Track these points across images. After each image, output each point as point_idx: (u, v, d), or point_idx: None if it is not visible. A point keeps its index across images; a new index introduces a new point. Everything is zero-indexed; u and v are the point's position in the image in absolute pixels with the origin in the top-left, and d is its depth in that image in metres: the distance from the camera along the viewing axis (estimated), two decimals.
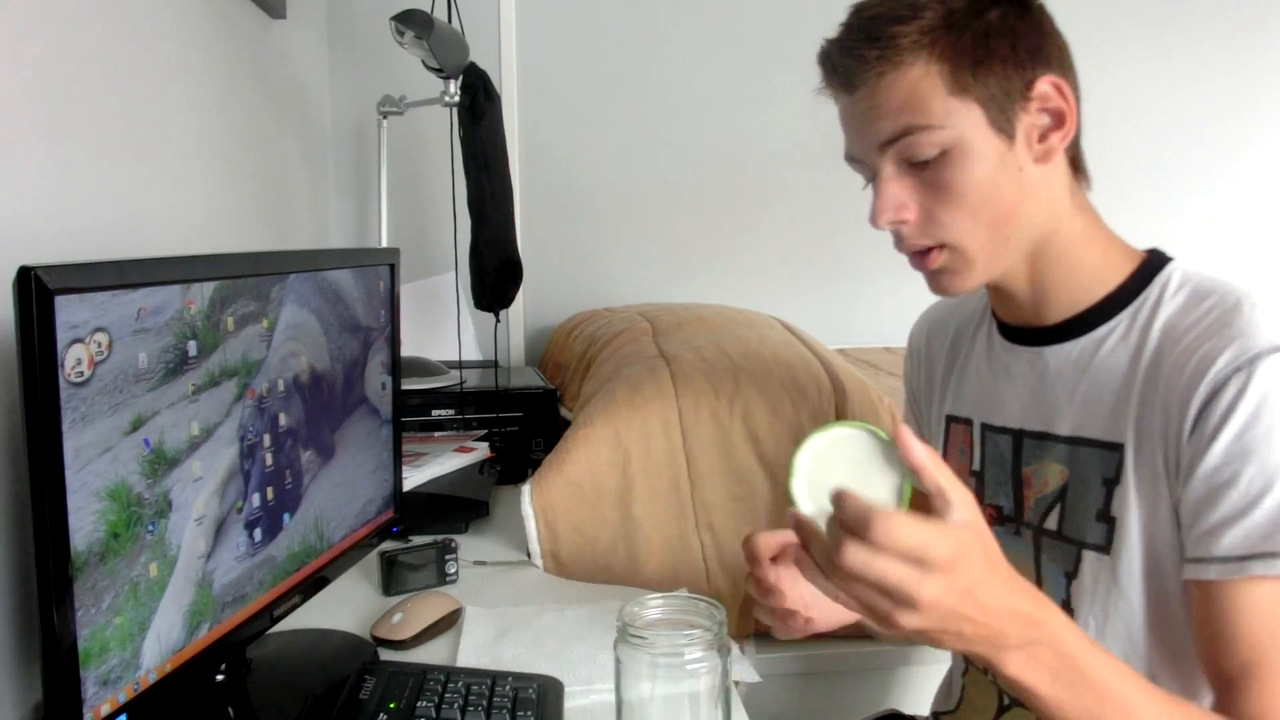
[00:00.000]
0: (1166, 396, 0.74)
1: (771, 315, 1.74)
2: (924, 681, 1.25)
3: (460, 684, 0.83)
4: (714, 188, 2.24)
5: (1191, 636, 0.73)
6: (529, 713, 0.80)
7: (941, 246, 0.80)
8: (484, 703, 0.80)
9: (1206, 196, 2.36)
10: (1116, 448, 0.78)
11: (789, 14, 2.15)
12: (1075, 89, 0.79)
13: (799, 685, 1.20)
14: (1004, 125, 0.76)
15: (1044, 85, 0.76)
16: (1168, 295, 0.78)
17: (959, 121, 0.75)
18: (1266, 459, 0.68)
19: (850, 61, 0.78)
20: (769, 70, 2.20)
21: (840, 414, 1.25)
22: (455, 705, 0.79)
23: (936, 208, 0.78)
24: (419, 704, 0.79)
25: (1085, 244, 0.82)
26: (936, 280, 0.83)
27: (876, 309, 2.27)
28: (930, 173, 0.77)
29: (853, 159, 0.84)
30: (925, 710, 1.05)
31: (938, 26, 0.75)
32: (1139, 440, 0.76)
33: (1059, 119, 0.77)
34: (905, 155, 0.78)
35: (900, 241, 0.82)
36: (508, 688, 0.83)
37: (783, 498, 1.24)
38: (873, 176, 0.81)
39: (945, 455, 0.96)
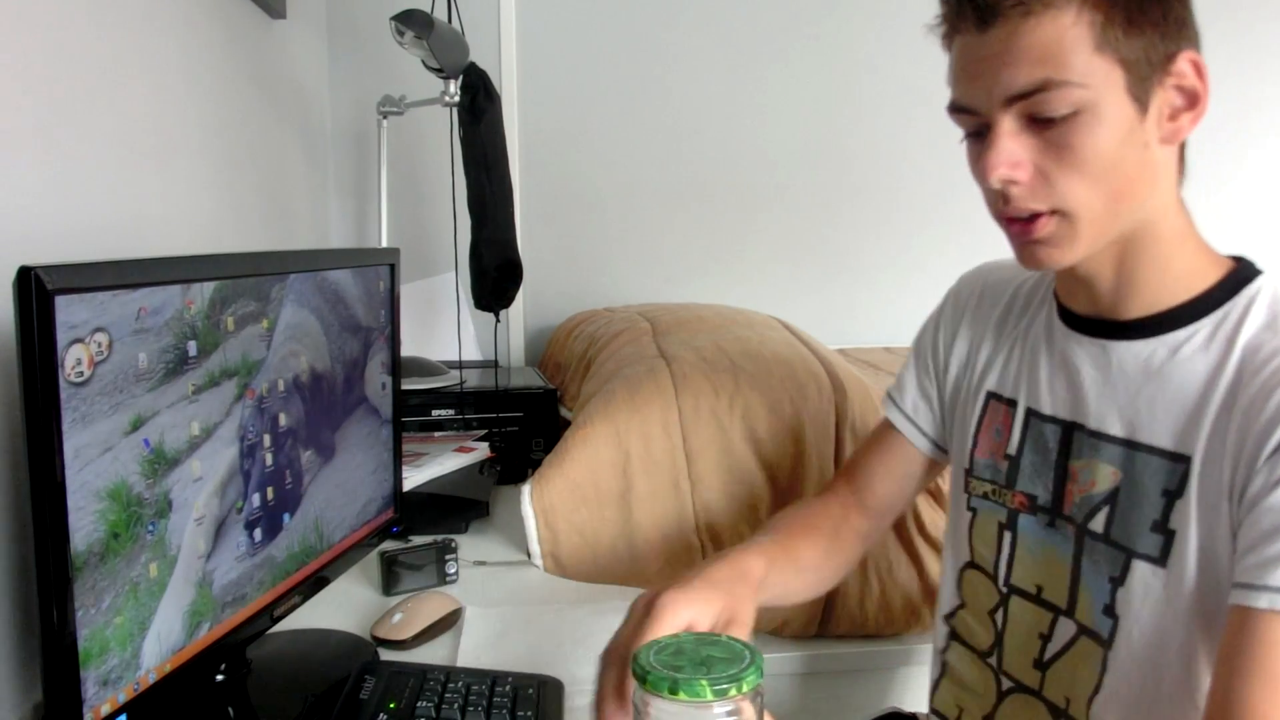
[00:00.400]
0: (1245, 420, 0.71)
1: (771, 315, 1.74)
2: (924, 681, 1.25)
3: (460, 684, 0.83)
4: (714, 188, 2.24)
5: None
6: (529, 712, 0.80)
7: (1052, 213, 0.74)
8: (484, 703, 0.80)
9: (1205, 198, 2.37)
10: (1181, 459, 0.75)
11: (789, 14, 2.15)
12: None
13: (799, 685, 1.20)
14: (1141, 94, 0.72)
15: (1185, 61, 0.72)
16: (1254, 311, 0.75)
17: (1099, 81, 0.70)
18: None
19: None
20: (769, 70, 2.20)
21: (840, 414, 1.25)
22: (455, 705, 0.79)
23: (1055, 170, 0.73)
24: (419, 704, 0.79)
25: (1179, 241, 0.78)
26: (1035, 251, 0.77)
27: (876, 309, 2.27)
28: (1056, 132, 0.72)
29: (961, 109, 0.77)
30: (925, 705, 1.05)
31: None
32: (1208, 456, 0.74)
33: (1192, 99, 0.73)
34: (1033, 111, 0.72)
35: (1005, 204, 0.76)
36: (508, 688, 0.83)
37: (782, 497, 1.24)
38: (979, 129, 0.76)
39: (979, 431, 0.94)
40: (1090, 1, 0.70)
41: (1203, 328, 0.77)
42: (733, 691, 0.58)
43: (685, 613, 0.73)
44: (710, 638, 0.65)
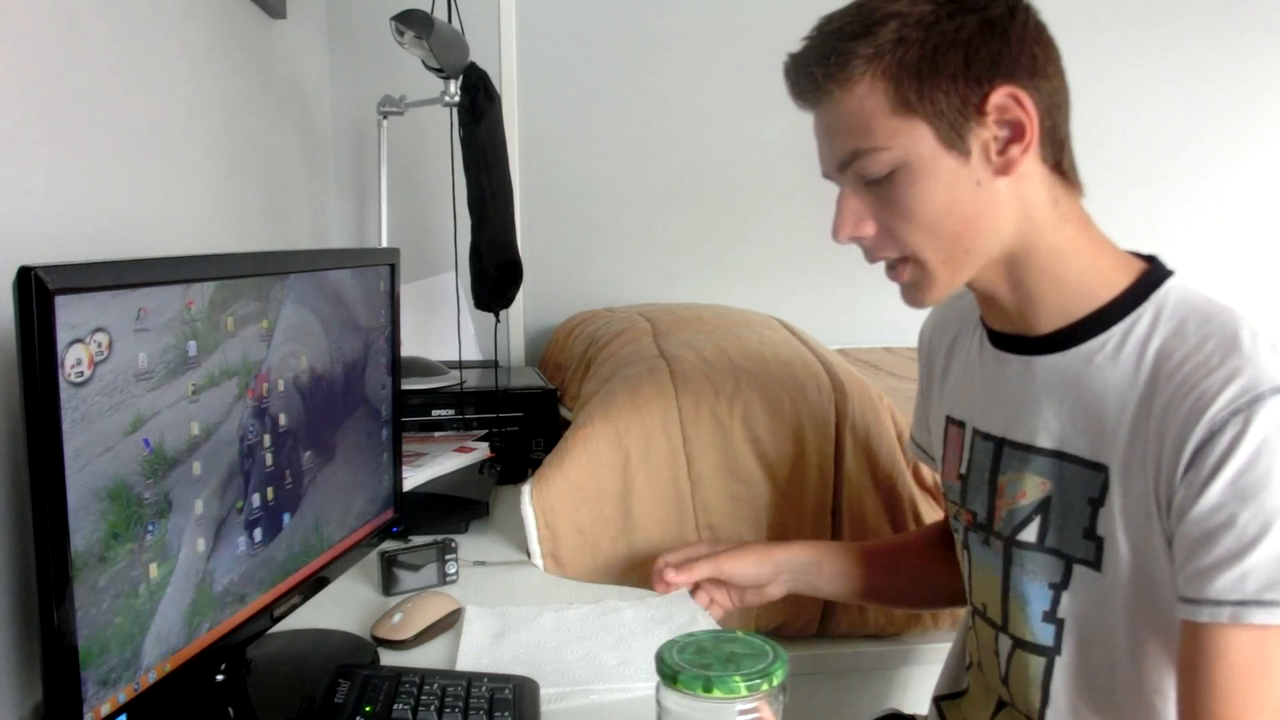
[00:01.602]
0: (1160, 429, 0.72)
1: (771, 315, 1.74)
2: (924, 681, 1.25)
3: (436, 685, 0.82)
4: (714, 188, 2.24)
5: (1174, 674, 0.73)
6: (506, 713, 0.80)
7: (903, 259, 0.80)
8: (460, 704, 0.80)
9: (1206, 198, 2.36)
10: (1100, 468, 0.76)
11: (789, 14, 2.15)
12: (1054, 94, 0.76)
13: (799, 685, 1.20)
14: (955, 142, 0.75)
15: (1000, 97, 0.74)
16: (1164, 317, 0.75)
17: (905, 141, 0.75)
18: (1264, 503, 0.66)
19: (803, 80, 0.79)
20: (769, 70, 2.19)
21: (840, 414, 1.25)
22: (431, 707, 0.79)
23: (894, 223, 0.78)
24: (395, 706, 0.79)
25: (1071, 255, 0.79)
26: (906, 292, 0.83)
27: (876, 309, 2.27)
28: (883, 190, 0.78)
29: (825, 174, 0.85)
30: (925, 705, 1.05)
31: (887, 44, 0.74)
32: (1126, 466, 0.74)
33: (1018, 130, 0.75)
34: (860, 173, 0.78)
35: (865, 254, 0.83)
36: (484, 689, 0.82)
37: (782, 497, 1.24)
38: None
39: (945, 455, 0.96)
40: (880, 72, 0.75)
41: (1113, 336, 0.77)
42: (764, 686, 0.59)
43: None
44: (727, 634, 0.66)
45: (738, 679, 0.58)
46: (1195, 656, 0.69)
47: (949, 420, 0.96)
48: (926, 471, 1.30)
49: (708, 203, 2.24)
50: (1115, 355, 0.77)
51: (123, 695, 0.67)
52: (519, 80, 2.12)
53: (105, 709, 0.65)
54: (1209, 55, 2.34)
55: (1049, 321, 0.81)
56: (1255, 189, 2.40)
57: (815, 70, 0.77)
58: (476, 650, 0.95)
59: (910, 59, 0.74)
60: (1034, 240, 0.78)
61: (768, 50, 2.39)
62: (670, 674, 0.59)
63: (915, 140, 0.75)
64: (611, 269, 2.23)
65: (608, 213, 2.22)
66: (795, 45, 0.81)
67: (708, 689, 0.58)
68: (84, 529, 0.62)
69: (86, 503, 0.62)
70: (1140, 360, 0.75)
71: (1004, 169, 0.76)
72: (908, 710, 1.14)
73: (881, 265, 0.84)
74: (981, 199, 0.76)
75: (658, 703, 0.61)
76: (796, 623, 1.21)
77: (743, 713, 0.58)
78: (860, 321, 2.29)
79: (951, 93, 0.74)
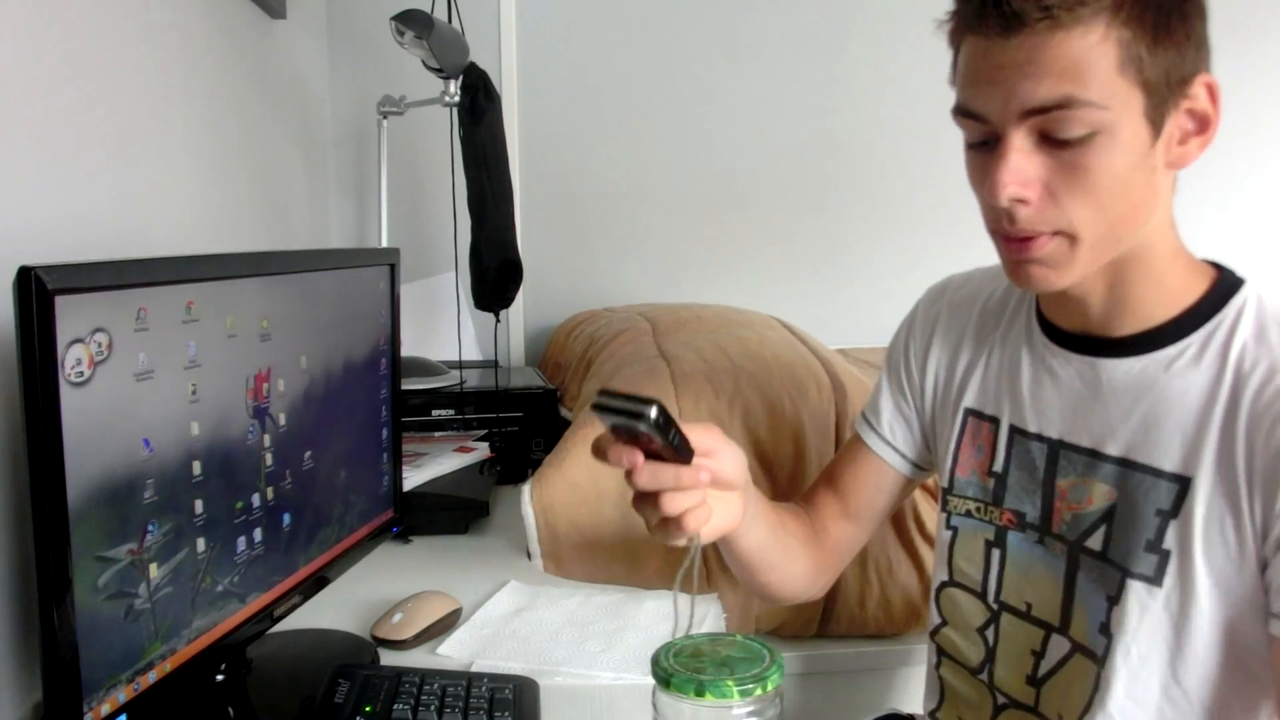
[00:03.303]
0: (1250, 443, 0.70)
1: (771, 315, 1.74)
2: (924, 682, 1.25)
3: (436, 685, 0.82)
4: (714, 188, 2.24)
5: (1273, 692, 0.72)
6: (505, 713, 0.80)
7: (1054, 234, 0.72)
8: (460, 704, 0.80)
9: (1212, 199, 2.36)
10: (1180, 480, 0.74)
11: (790, 13, 2.15)
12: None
13: (799, 685, 1.20)
14: (1156, 118, 0.69)
15: (1200, 85, 0.70)
16: (1243, 323, 0.74)
17: (1119, 104, 0.67)
18: None
19: (1024, 0, 0.66)
20: (769, 70, 2.20)
21: (840, 414, 1.25)
22: (431, 707, 0.79)
23: (1064, 192, 0.70)
24: (395, 706, 0.79)
25: (1173, 259, 0.77)
26: (1030, 270, 0.74)
27: (876, 309, 2.26)
28: (1070, 153, 0.69)
29: (969, 114, 0.73)
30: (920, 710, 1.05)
31: None
32: (1218, 480, 0.72)
33: (1203, 124, 0.71)
34: (1048, 128, 0.69)
35: (1011, 223, 0.72)
36: (484, 689, 0.83)
37: (782, 498, 1.24)
38: (986, 138, 0.73)
39: (959, 448, 0.93)
40: (1120, 18, 0.66)
41: (1193, 343, 0.75)
42: (758, 691, 0.58)
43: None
44: (725, 638, 0.65)
45: (730, 683, 0.58)
46: None
47: (971, 413, 0.92)
48: None
49: (708, 203, 2.24)
50: (1195, 362, 0.74)
51: (123, 695, 0.67)
52: (519, 80, 2.12)
53: (105, 709, 0.65)
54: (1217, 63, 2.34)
55: (1131, 325, 0.78)
56: (1261, 194, 2.40)
57: None
58: (476, 651, 0.95)
59: (1148, 17, 0.67)
60: (1153, 240, 0.75)
61: (768, 49, 2.38)
62: (664, 677, 0.59)
63: (1128, 105, 0.68)
64: (611, 269, 2.23)
65: (608, 213, 2.22)
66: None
67: (700, 693, 0.58)
68: (84, 529, 0.62)
69: (86, 502, 0.62)
70: (1222, 368, 0.73)
71: (1179, 161, 0.72)
72: (907, 710, 1.14)
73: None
74: (1152, 185, 0.72)
75: (653, 706, 0.61)
76: (796, 623, 1.21)
77: (751, 714, 0.58)
78: (860, 321, 2.29)
79: (1173, 65, 0.68)
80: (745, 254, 2.27)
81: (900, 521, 1.23)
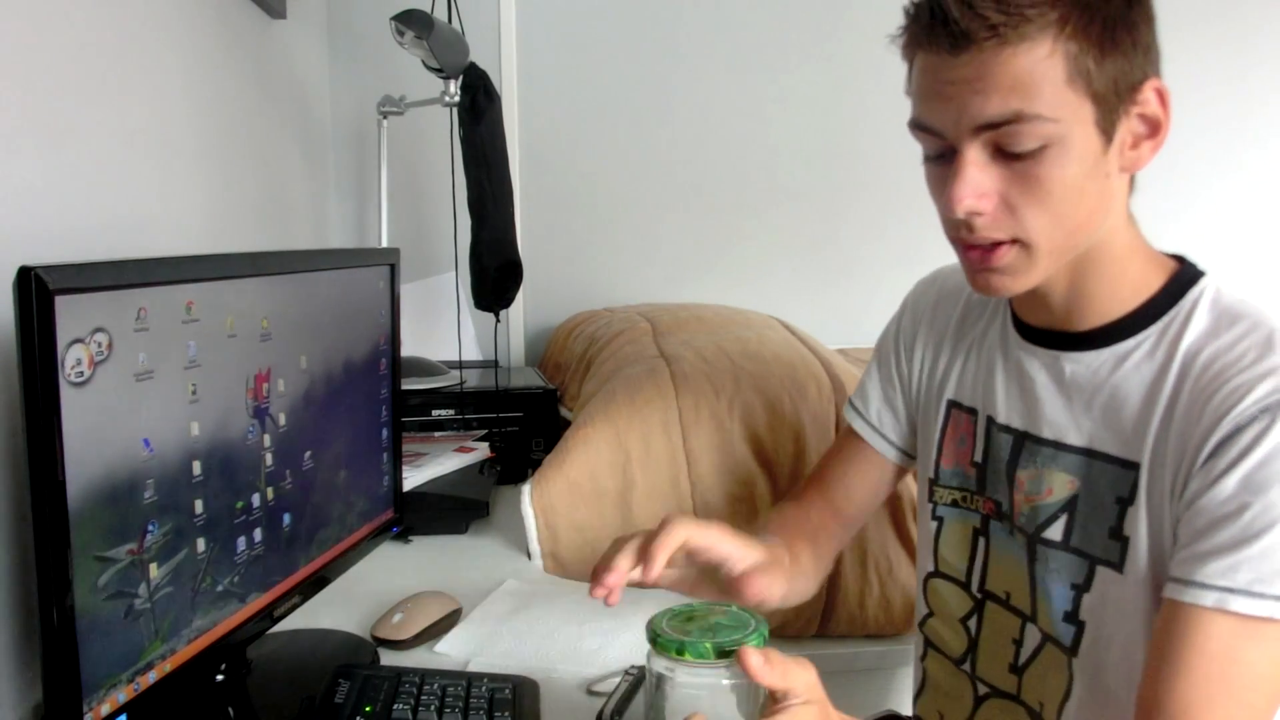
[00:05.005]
0: (1186, 423, 0.72)
1: (771, 315, 1.74)
2: None
3: (436, 685, 0.82)
4: (714, 187, 2.24)
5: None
6: (506, 713, 0.80)
7: (1013, 242, 0.74)
8: (460, 704, 0.80)
9: (1210, 200, 2.36)
10: (1131, 466, 0.76)
11: (790, 14, 2.15)
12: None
13: None
14: (1107, 126, 0.71)
15: (1150, 89, 0.72)
16: (1196, 316, 0.76)
17: (1069, 115, 0.69)
18: (1275, 499, 0.66)
19: (968, 18, 0.67)
20: (770, 70, 2.20)
21: (841, 414, 1.25)
22: (431, 707, 0.79)
23: (1020, 202, 0.72)
24: (395, 706, 0.79)
25: (1130, 255, 0.78)
26: (990, 279, 0.77)
27: (876, 309, 2.26)
28: (1022, 165, 0.70)
29: (925, 129, 0.75)
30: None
31: (1074, 5, 0.68)
32: (1154, 462, 0.74)
33: (1154, 128, 0.73)
34: (1002, 142, 0.70)
35: (969, 232, 0.75)
36: (484, 689, 0.83)
37: (782, 498, 1.24)
38: (943, 152, 0.75)
39: (943, 439, 0.94)
40: (1067, 31, 0.68)
41: (1149, 336, 0.77)
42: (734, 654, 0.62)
43: (688, 527, 0.79)
44: (720, 606, 0.71)
45: (708, 645, 0.63)
46: (1171, 635, 0.69)
47: (953, 405, 0.94)
48: None
49: (708, 203, 2.24)
50: (1150, 356, 0.77)
51: (123, 695, 0.67)
52: (519, 80, 2.12)
53: (105, 709, 0.65)
54: (1207, 56, 2.34)
55: (1092, 319, 0.80)
56: (1258, 191, 2.40)
57: (988, 11, 0.67)
58: (476, 651, 0.95)
59: (1094, 27, 0.68)
60: (1109, 239, 0.77)
61: (769, 50, 2.39)
62: (652, 636, 0.66)
63: (1078, 116, 0.69)
64: (611, 269, 2.23)
65: (608, 213, 2.22)
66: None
67: (680, 652, 0.64)
68: (84, 529, 0.62)
69: (86, 502, 0.62)
70: (1172, 357, 0.75)
71: (1131, 165, 0.74)
72: (906, 710, 1.14)
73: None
74: (1106, 191, 0.73)
75: (648, 669, 0.67)
76: (796, 623, 1.21)
77: (735, 676, 0.63)
78: (860, 321, 2.29)
79: (1121, 73, 0.70)
80: (745, 254, 2.26)
81: (901, 522, 1.23)
